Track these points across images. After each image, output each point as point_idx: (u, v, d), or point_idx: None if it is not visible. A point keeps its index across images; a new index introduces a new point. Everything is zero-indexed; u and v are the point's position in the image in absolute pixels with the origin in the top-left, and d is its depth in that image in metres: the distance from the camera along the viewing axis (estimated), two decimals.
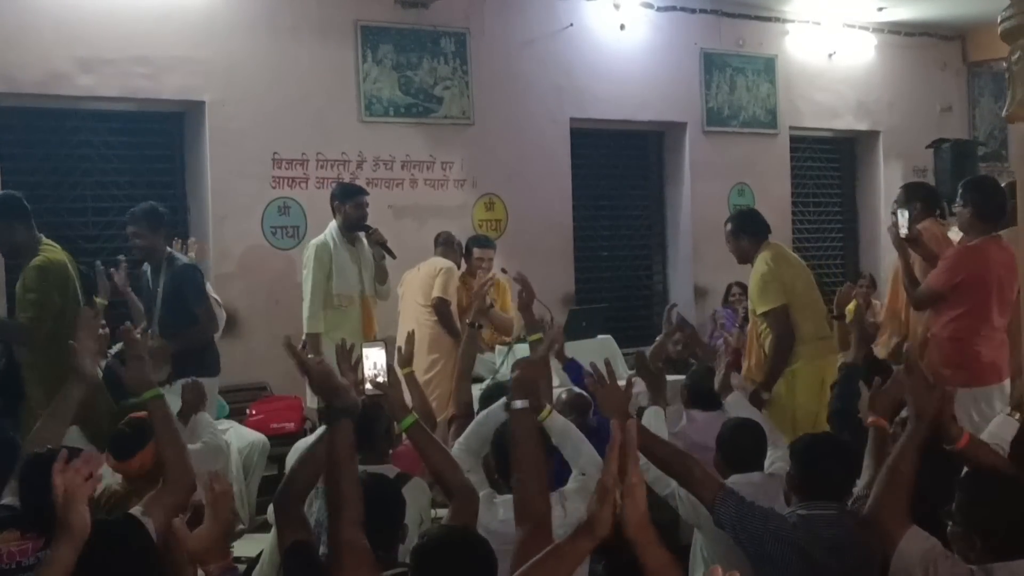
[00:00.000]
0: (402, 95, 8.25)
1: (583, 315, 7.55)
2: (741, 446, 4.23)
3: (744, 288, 9.11)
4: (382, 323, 7.48)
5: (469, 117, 8.58)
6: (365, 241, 6.89)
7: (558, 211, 9.09)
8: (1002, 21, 2.25)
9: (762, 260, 5.94)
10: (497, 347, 7.20)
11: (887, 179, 11.04)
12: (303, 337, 6.70)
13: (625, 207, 9.97)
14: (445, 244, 7.51)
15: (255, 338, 7.45)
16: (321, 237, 6.84)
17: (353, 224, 6.83)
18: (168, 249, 6.28)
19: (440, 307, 7.12)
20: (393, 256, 6.91)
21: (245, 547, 5.96)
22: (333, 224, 6.84)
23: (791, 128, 10.62)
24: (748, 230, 6.09)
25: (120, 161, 7.47)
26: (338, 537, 2.88)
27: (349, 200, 6.81)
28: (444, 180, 8.46)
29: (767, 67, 10.38)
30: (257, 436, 6.81)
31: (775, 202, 10.38)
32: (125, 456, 4.21)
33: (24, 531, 3.37)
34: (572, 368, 5.56)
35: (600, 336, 7.44)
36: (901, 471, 3.19)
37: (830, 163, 11.37)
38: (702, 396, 5.26)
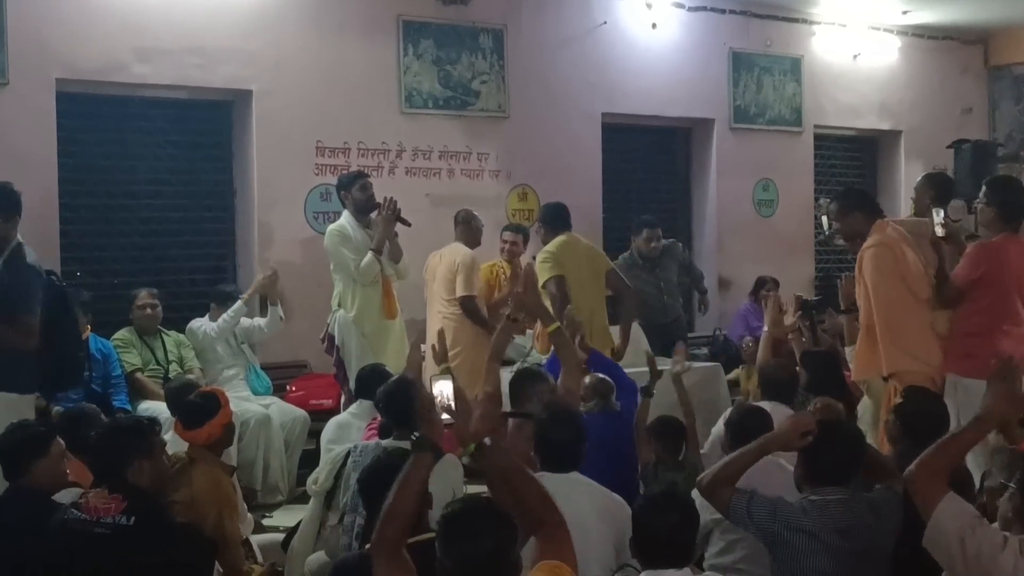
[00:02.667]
0: (441, 88, 8.26)
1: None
2: (749, 428, 4.30)
3: (776, 283, 9.13)
4: (408, 308, 7.50)
5: (505, 111, 8.58)
6: (377, 229, 6.79)
7: (588, 203, 9.05)
8: None
9: (550, 244, 6.66)
10: (527, 331, 7.20)
11: (908, 177, 10.90)
12: (333, 316, 6.73)
13: (653, 200, 9.92)
14: (464, 223, 7.27)
15: (297, 319, 7.50)
16: (336, 223, 6.84)
17: (363, 207, 6.80)
18: (19, 239, 5.03)
19: (467, 304, 6.98)
20: (408, 224, 6.85)
21: (284, 517, 6.05)
22: (345, 214, 6.84)
23: (815, 127, 10.55)
24: (547, 221, 6.92)
25: (173, 147, 7.52)
26: (382, 534, 2.96)
27: (353, 186, 6.82)
28: (480, 171, 8.47)
29: (793, 67, 10.32)
30: (298, 411, 6.87)
31: (798, 198, 10.37)
32: (195, 425, 4.30)
33: (111, 490, 3.47)
34: (595, 359, 5.58)
35: None
36: (954, 446, 3.16)
37: (853, 161, 11.30)
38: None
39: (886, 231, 5.45)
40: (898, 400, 4.51)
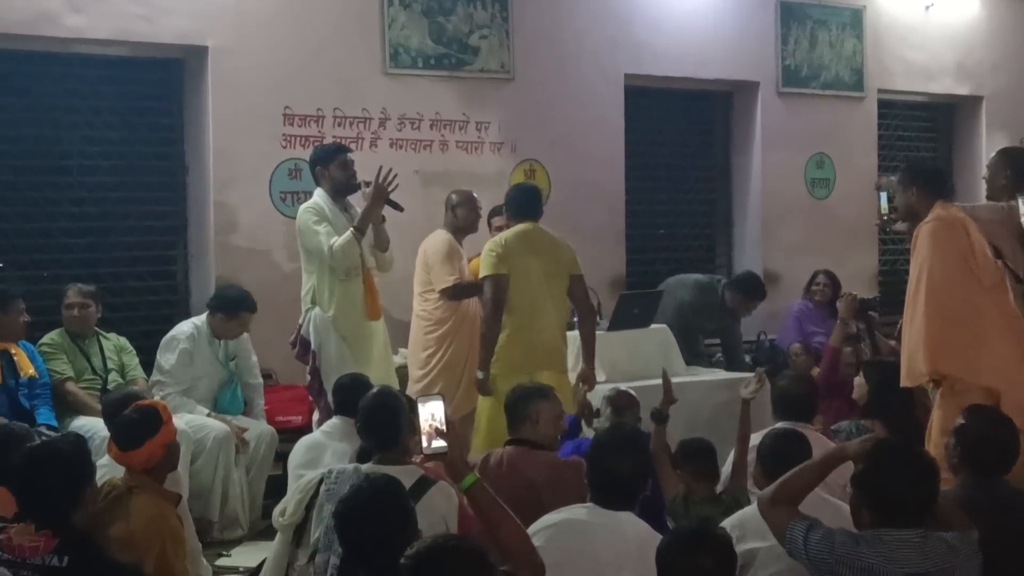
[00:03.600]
0: (433, 44, 8.21)
1: (635, 301, 7.52)
2: (783, 457, 4.37)
3: (831, 277, 9.07)
4: (399, 307, 7.44)
5: (509, 71, 8.54)
6: (358, 207, 6.73)
7: (609, 181, 9.04)
8: None
9: (503, 233, 6.59)
10: None
11: (989, 151, 10.84)
12: (308, 315, 6.68)
13: (686, 178, 9.92)
14: (455, 208, 7.12)
15: (261, 319, 7.40)
16: (310, 201, 6.72)
17: (343, 188, 6.71)
18: None
19: (450, 294, 6.90)
20: (400, 209, 6.76)
21: (245, 556, 6.01)
22: (319, 192, 6.72)
23: (880, 91, 10.51)
24: (510, 206, 6.72)
25: (111, 113, 7.49)
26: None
27: (332, 161, 6.70)
28: (479, 143, 8.43)
29: (854, 20, 10.28)
30: (264, 427, 6.84)
31: (859, 175, 10.32)
32: (132, 445, 4.25)
33: (39, 526, 3.42)
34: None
35: (655, 326, 7.42)
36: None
37: (924, 132, 11.25)
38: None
39: (949, 210, 5.42)
40: (960, 421, 4.45)
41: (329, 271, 6.58)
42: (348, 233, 6.48)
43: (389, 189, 6.63)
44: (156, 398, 6.59)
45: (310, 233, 6.56)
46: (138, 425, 4.33)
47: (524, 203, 6.64)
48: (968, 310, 5.28)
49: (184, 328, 6.93)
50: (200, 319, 6.98)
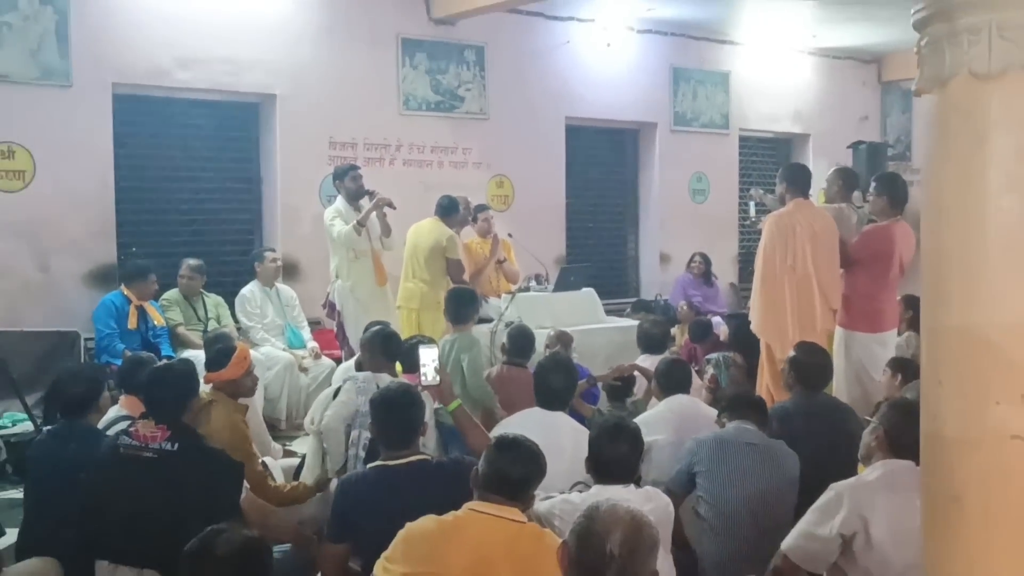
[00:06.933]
0: (433, 94, 8.16)
1: (572, 272, 7.52)
2: (674, 377, 4.39)
3: (704, 257, 9.11)
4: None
5: (486, 113, 8.49)
6: (365, 208, 6.63)
7: (554, 190, 9.03)
8: (915, 13, 2.10)
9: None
10: (503, 295, 7.17)
11: (815, 172, 10.79)
12: (333, 285, 6.64)
13: (607, 188, 9.91)
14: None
15: (312, 282, 7.42)
16: (332, 206, 6.70)
17: (354, 194, 6.66)
18: None
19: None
20: (393, 207, 6.66)
21: (301, 446, 5.99)
22: (339, 198, 6.68)
23: (740, 129, 10.51)
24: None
25: (208, 141, 7.40)
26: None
27: (345, 176, 6.68)
28: (464, 163, 8.39)
29: (722, 80, 10.26)
30: (325, 363, 6.76)
31: (726, 188, 10.37)
32: (215, 368, 4.20)
33: (158, 422, 3.40)
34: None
35: (584, 289, 7.43)
36: None
37: (770, 158, 11.22)
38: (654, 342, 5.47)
39: (800, 208, 5.34)
40: (792, 353, 4.39)
41: (344, 252, 6.57)
42: (349, 226, 6.49)
43: (383, 203, 6.61)
44: (256, 337, 6.68)
45: (330, 227, 6.60)
46: (223, 354, 4.28)
47: (443, 204, 6.77)
48: (775, 287, 5.23)
49: (243, 290, 6.90)
50: (249, 284, 6.92)
